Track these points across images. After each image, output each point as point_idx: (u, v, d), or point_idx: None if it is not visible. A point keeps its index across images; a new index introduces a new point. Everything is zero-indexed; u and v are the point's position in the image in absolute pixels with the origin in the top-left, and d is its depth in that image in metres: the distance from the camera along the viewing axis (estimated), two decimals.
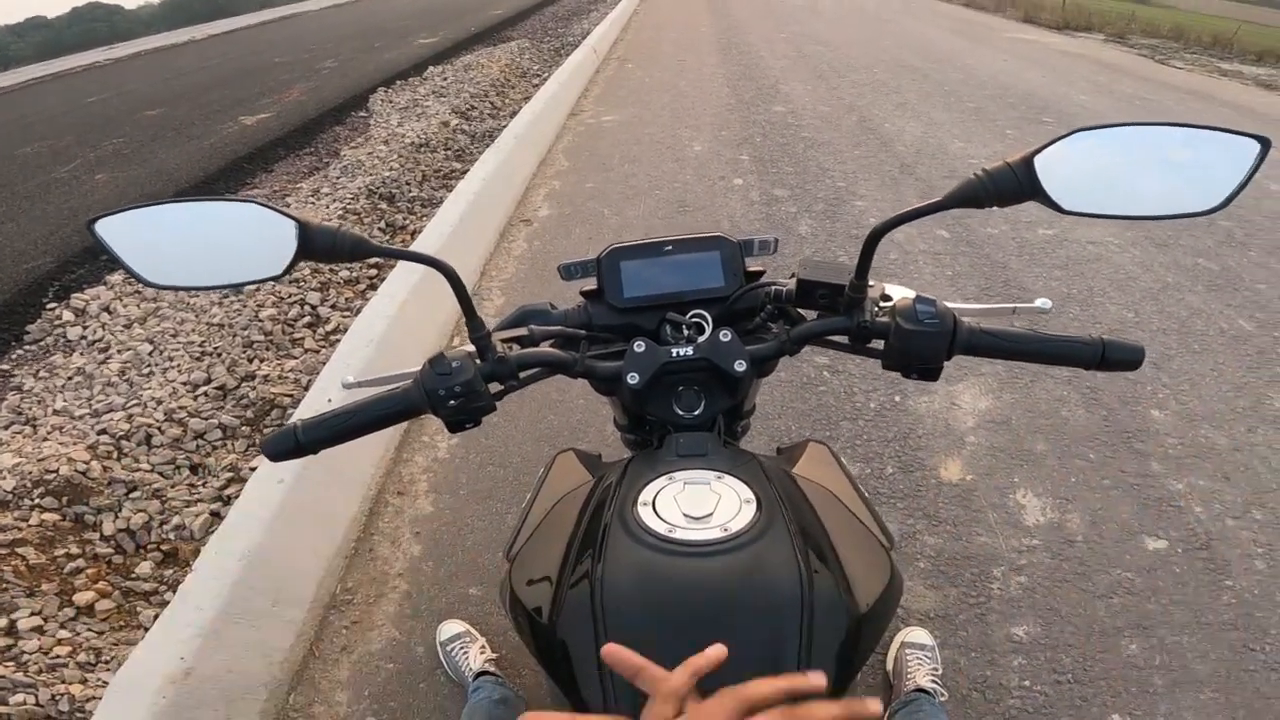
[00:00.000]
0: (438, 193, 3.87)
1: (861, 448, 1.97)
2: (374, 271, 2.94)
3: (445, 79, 6.79)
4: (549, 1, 14.49)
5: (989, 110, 5.34)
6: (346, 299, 2.75)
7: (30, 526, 1.70)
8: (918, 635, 1.41)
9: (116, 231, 0.57)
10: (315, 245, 0.56)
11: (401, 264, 2.45)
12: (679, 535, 0.55)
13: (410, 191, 3.84)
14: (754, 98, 5.88)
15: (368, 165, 4.19)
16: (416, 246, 2.71)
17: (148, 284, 0.59)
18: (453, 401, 0.61)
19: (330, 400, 1.84)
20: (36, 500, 1.77)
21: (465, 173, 3.81)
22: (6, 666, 1.39)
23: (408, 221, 3.51)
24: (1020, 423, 2.04)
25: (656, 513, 0.58)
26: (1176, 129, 0.53)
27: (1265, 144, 0.51)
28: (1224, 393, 2.13)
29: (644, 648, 0.52)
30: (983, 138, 4.67)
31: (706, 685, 0.45)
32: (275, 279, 0.59)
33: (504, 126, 4.67)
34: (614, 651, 0.47)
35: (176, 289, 0.62)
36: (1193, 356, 2.30)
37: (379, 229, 3.40)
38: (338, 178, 4.14)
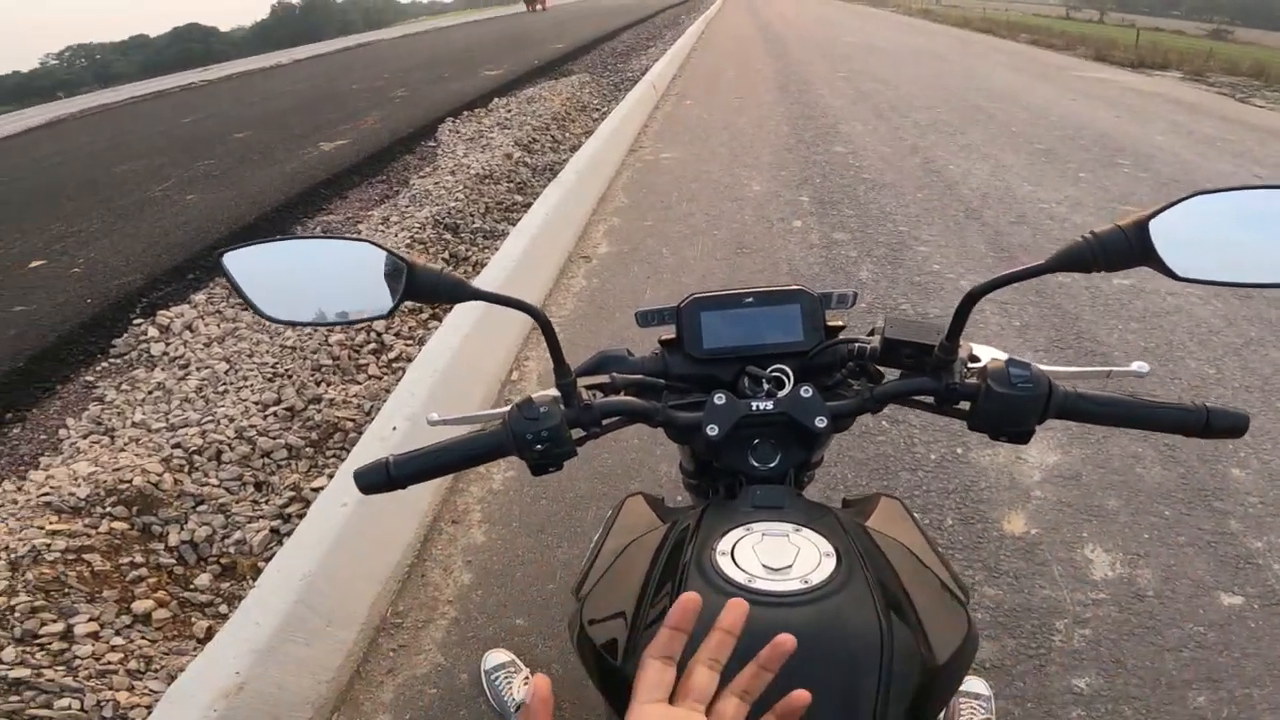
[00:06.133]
0: (499, 225, 3.98)
1: (921, 499, 1.92)
2: None
3: (509, 111, 7.03)
4: (607, 38, 14.91)
5: (1060, 152, 5.21)
6: (410, 327, 2.84)
7: (99, 534, 1.75)
8: (974, 684, 1.38)
9: (241, 264, 0.59)
10: (420, 286, 0.58)
11: None
12: (759, 586, 0.54)
13: (473, 223, 3.96)
14: (814, 137, 5.88)
15: (434, 195, 4.34)
16: (480, 280, 2.79)
17: (264, 317, 0.60)
18: (539, 446, 0.62)
19: (394, 428, 1.90)
20: (108, 509, 1.83)
21: (526, 205, 3.92)
22: (57, 671, 1.41)
23: (470, 253, 3.61)
24: (1091, 478, 1.95)
25: (735, 562, 0.57)
26: None
27: None
28: None
29: None
30: (1054, 181, 4.54)
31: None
32: (382, 317, 0.61)
33: (564, 160, 4.79)
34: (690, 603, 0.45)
35: (290, 324, 0.63)
36: (1276, 415, 2.18)
37: (443, 259, 3.51)
38: (406, 206, 4.30)
